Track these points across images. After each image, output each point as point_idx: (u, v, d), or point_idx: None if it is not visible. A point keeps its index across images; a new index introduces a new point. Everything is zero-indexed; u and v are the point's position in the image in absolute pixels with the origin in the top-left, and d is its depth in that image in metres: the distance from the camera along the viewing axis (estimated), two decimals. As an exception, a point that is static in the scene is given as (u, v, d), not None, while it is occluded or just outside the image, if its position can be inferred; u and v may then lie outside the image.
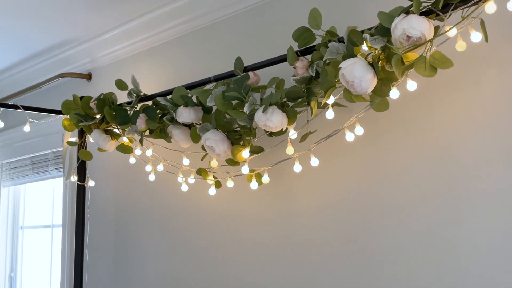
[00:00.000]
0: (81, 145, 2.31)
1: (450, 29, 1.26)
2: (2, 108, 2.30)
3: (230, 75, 1.81)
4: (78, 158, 2.32)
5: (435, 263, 1.46)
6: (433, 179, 1.49)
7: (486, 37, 1.26)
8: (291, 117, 1.59)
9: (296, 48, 1.61)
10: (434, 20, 1.29)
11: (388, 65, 1.35)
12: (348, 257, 1.65)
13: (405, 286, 1.52)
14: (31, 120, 2.33)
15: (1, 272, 3.38)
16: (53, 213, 3.23)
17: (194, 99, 1.87)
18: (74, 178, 2.33)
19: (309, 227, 1.77)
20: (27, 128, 2.31)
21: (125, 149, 2.11)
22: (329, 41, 1.50)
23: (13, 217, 3.46)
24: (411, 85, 1.36)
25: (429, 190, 1.49)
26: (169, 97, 1.94)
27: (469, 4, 1.24)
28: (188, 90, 1.89)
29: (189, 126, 1.93)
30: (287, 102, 1.63)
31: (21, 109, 2.23)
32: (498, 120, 1.38)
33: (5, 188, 3.44)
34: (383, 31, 1.33)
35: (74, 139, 2.33)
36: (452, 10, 1.26)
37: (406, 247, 1.52)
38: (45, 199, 3.33)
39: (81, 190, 2.39)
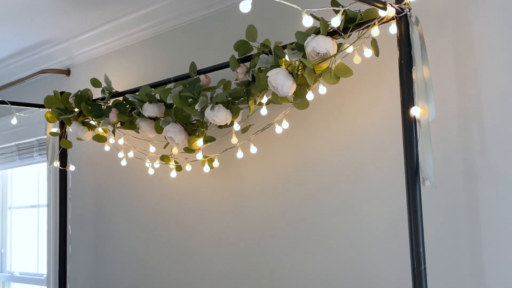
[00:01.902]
0: (62, 135, 2.62)
1: (347, 47, 1.61)
2: (-9, 103, 2.60)
3: (187, 76, 2.10)
4: (60, 146, 2.63)
5: (348, 230, 1.84)
6: (344, 164, 1.86)
7: (376, 53, 1.61)
8: (235, 113, 1.93)
9: (237, 57, 1.95)
10: (337, 39, 1.64)
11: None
12: (286, 225, 2.02)
13: (325, 245, 1.90)
14: (17, 113, 2.64)
15: (-9, 249, 3.67)
16: (39, 195, 3.50)
17: (157, 96, 2.19)
18: (56, 164, 2.64)
19: (253, 202, 2.13)
20: (14, 120, 2.62)
21: (100, 139, 2.42)
22: (263, 51, 1.84)
23: (1, 198, 3.71)
24: (322, 89, 1.72)
25: (342, 174, 1.86)
26: (137, 93, 2.27)
27: (362, 27, 1.59)
28: (152, 89, 2.19)
29: (154, 119, 2.24)
30: (232, 100, 1.97)
31: (8, 105, 2.54)
32: (393, 115, 1.75)
33: (-6, 172, 3.73)
34: (299, 47, 1.68)
35: (56, 129, 2.62)
36: (351, 31, 1.61)
37: (327, 217, 1.90)
38: (31, 182, 3.58)
39: (63, 174, 2.68)
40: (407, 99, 1.48)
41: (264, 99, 1.83)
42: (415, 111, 1.45)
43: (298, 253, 1.97)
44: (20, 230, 3.67)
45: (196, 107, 1.93)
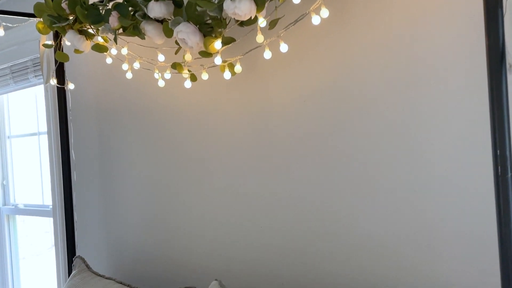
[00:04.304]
0: (57, 47, 2.32)
1: None
2: (-27, 14, 2.29)
3: (199, -35, 1.80)
4: (56, 61, 2.34)
5: (400, 149, 1.56)
6: (399, 64, 1.54)
7: None
8: (260, 5, 1.61)
9: None
10: None
11: None
12: (321, 145, 1.74)
13: (372, 174, 1.62)
14: (4, 23, 2.32)
15: (-7, 182, 3.48)
16: (38, 121, 3.28)
17: (164, -7, 1.87)
18: (53, 81, 2.36)
19: (281, 116, 1.84)
20: (1, 32, 2.30)
21: (101, 49, 2.12)
22: None
23: (-1, 127, 3.52)
24: (373, -37, 1.38)
25: (395, 78, 1.55)
26: (140, -8, 1.94)
27: None
28: (158, -16, 1.89)
29: (161, 21, 1.94)
30: (256, -10, 1.64)
31: (-8, 14, 2.22)
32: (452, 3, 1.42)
33: (-12, 99, 3.47)
34: None
35: (50, 42, 2.34)
36: None
37: (374, 137, 1.61)
38: (29, 109, 3.36)
39: (61, 93, 2.43)
40: (492, -38, 1.15)
41: (297, -17, 1.51)
42: (502, -23, 1.13)
43: (332, 180, 1.69)
44: (22, 160, 3.49)
45: (213, -2, 1.61)
